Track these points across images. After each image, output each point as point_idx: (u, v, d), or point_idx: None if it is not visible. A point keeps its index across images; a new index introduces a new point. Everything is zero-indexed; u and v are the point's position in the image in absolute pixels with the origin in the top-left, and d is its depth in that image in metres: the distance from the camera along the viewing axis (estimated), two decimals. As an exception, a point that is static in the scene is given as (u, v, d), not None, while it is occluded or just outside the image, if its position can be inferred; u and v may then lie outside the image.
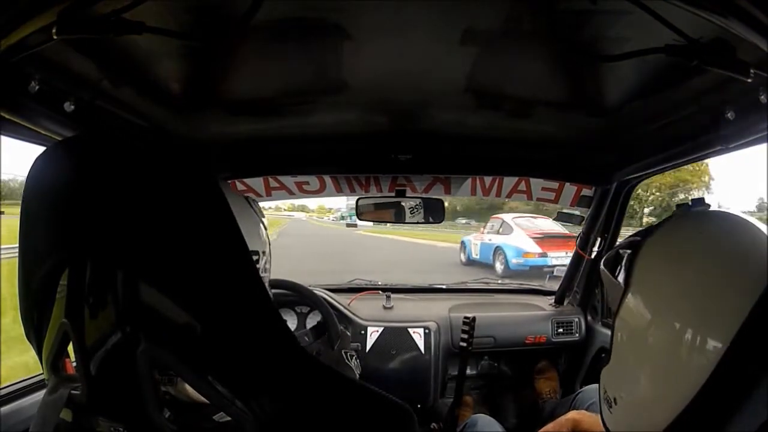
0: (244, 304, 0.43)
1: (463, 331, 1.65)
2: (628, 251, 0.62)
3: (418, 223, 1.74)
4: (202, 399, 0.45)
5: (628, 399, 0.60)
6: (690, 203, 0.64)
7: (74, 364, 0.50)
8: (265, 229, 0.87)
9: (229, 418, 0.44)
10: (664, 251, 0.59)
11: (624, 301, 0.60)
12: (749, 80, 0.65)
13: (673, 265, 0.56)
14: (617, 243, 1.71)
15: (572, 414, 1.00)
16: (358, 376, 1.48)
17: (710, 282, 0.53)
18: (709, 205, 0.62)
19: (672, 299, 0.55)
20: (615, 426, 0.63)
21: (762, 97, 0.71)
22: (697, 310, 0.52)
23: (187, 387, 0.55)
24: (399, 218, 1.71)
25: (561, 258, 7.05)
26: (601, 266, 0.67)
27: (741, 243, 0.55)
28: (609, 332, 1.73)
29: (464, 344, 1.65)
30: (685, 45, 0.68)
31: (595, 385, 0.67)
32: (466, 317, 1.66)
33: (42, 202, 0.49)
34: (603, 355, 1.72)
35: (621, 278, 0.62)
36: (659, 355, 0.55)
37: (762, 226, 0.56)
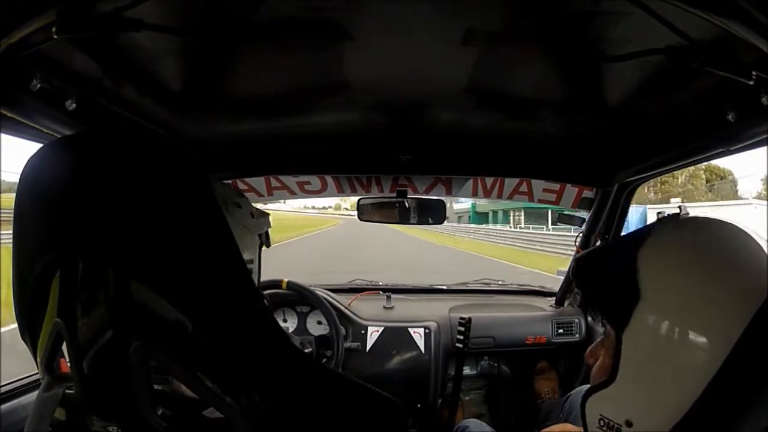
0: (234, 301, 0.44)
1: (459, 332, 1.66)
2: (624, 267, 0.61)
3: (419, 223, 1.74)
4: (195, 396, 0.45)
5: (649, 418, 0.57)
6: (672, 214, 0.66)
7: (69, 363, 0.50)
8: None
9: (220, 415, 0.44)
10: (672, 260, 0.58)
11: (636, 315, 0.57)
12: (750, 83, 0.65)
13: (682, 273, 0.57)
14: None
15: (557, 428, 1.00)
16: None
17: (715, 286, 0.54)
18: (687, 213, 0.64)
19: (686, 308, 0.55)
20: None
21: (763, 99, 0.70)
22: (707, 317, 0.53)
23: (180, 384, 0.55)
24: (400, 219, 1.71)
25: None
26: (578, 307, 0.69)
27: (735, 246, 0.58)
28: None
29: (460, 345, 1.65)
30: (685, 46, 0.67)
31: (587, 386, 0.67)
32: (461, 318, 1.67)
33: (35, 201, 0.50)
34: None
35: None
36: (673, 363, 0.54)
37: (744, 228, 0.59)
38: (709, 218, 0.63)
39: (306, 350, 1.62)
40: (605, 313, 0.65)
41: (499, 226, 28.49)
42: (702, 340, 0.53)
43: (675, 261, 0.58)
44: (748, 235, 0.58)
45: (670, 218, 0.64)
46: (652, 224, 0.64)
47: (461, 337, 1.65)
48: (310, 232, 25.57)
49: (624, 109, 1.06)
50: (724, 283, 0.54)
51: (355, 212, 1.76)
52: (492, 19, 0.74)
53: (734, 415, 0.48)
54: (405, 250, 16.28)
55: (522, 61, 0.90)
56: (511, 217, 29.52)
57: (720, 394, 0.51)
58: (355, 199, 1.76)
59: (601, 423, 0.60)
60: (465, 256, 14.53)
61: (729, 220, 0.61)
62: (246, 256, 0.77)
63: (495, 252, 15.28)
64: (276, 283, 1.65)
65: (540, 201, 1.76)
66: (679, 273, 0.57)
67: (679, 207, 0.66)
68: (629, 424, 0.58)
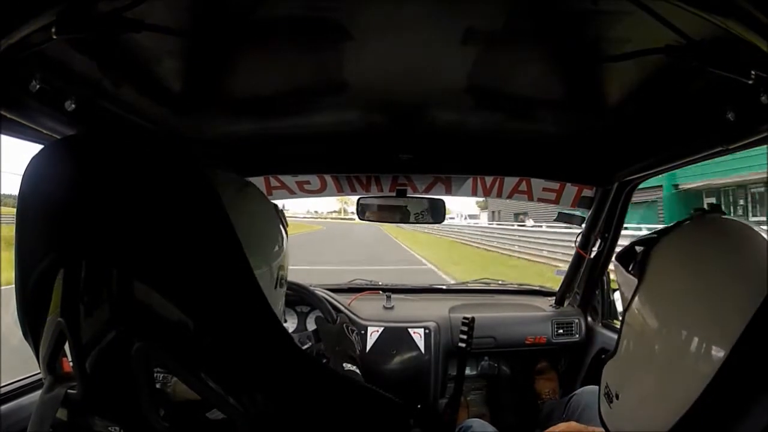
0: (237, 301, 0.44)
1: (462, 332, 1.66)
2: (643, 248, 0.62)
3: (419, 223, 1.74)
4: (197, 397, 0.45)
5: (630, 396, 0.61)
6: (707, 208, 0.64)
7: (71, 362, 0.50)
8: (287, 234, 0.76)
9: (223, 416, 0.44)
10: (681, 252, 0.60)
11: (636, 297, 0.60)
12: (750, 82, 0.65)
13: (689, 268, 0.57)
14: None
15: (563, 426, 1.00)
16: (358, 350, 1.48)
17: (725, 287, 0.54)
18: (724, 213, 0.63)
19: (686, 301, 0.55)
20: (614, 422, 0.64)
21: (763, 98, 0.70)
22: (710, 314, 0.53)
23: (182, 385, 0.55)
24: (399, 218, 1.71)
25: None
26: (614, 260, 0.67)
27: (756, 252, 0.56)
28: (609, 333, 1.73)
29: (463, 345, 1.65)
30: (685, 46, 0.68)
31: (591, 387, 0.69)
32: (465, 317, 1.67)
33: (37, 201, 0.50)
34: (603, 356, 1.73)
35: (634, 273, 0.62)
36: (667, 355, 0.55)
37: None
38: (731, 220, 0.62)
39: (305, 345, 1.61)
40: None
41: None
42: (684, 333, 0.54)
43: (675, 254, 0.60)
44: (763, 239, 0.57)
45: (697, 215, 0.64)
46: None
47: (464, 337, 1.65)
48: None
49: (624, 108, 1.06)
50: (715, 283, 0.55)
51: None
52: (492, 19, 0.74)
53: (735, 414, 0.48)
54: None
55: (522, 60, 0.90)
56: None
57: (720, 394, 0.51)
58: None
59: (606, 389, 0.65)
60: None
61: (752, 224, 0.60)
62: (278, 246, 0.68)
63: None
64: None
65: (539, 200, 1.76)
66: (676, 265, 0.59)
67: (708, 205, 0.65)
68: (617, 396, 0.62)
